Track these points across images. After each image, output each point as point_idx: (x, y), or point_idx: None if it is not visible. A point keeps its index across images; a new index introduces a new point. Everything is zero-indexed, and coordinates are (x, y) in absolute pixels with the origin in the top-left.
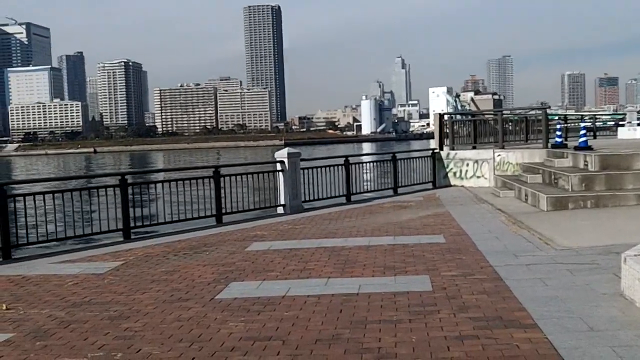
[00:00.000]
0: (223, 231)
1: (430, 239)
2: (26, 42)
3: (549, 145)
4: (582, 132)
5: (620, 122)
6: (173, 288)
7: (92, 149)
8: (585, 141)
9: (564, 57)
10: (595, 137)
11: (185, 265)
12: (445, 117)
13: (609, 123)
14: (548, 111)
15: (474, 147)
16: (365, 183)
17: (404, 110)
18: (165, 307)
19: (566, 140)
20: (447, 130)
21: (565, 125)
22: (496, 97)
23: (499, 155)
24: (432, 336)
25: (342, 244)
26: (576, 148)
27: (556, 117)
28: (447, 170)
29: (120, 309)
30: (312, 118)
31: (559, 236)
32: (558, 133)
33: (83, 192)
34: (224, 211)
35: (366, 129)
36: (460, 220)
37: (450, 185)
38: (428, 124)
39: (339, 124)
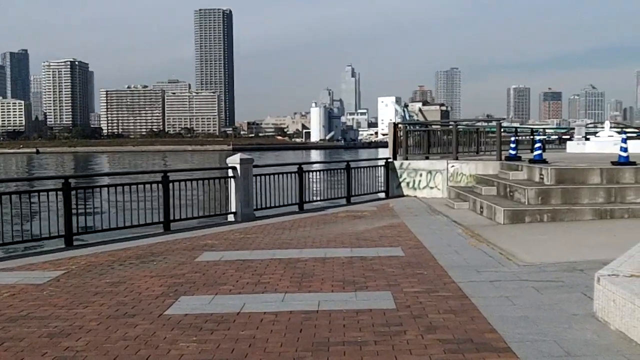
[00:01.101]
0: (171, 239)
1: (388, 251)
2: None
3: (503, 157)
4: (537, 145)
5: (564, 137)
6: (118, 301)
7: (34, 150)
8: (541, 154)
9: (510, 71)
10: (544, 150)
11: (132, 276)
12: (400, 126)
13: (552, 137)
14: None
15: (427, 158)
16: (318, 191)
17: (353, 119)
18: (110, 323)
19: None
20: (401, 140)
21: (517, 138)
22: (443, 108)
23: (452, 166)
24: None
25: (298, 255)
26: (531, 161)
27: (509, 130)
28: (400, 180)
29: (61, 324)
30: (261, 124)
31: (520, 251)
32: (512, 145)
33: (23, 196)
34: (172, 218)
35: (315, 136)
36: (417, 232)
37: (403, 195)
38: (376, 133)
39: (287, 131)
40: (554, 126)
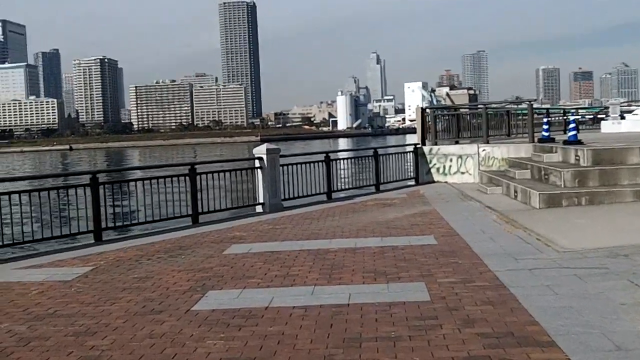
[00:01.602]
0: (199, 232)
1: (420, 239)
2: (2, 40)
3: (535, 139)
4: (572, 125)
5: (599, 116)
6: (145, 298)
7: (67, 146)
8: (575, 135)
9: (539, 51)
10: (577, 130)
11: (159, 271)
12: (428, 111)
13: (585, 117)
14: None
15: (457, 142)
16: (345, 180)
17: (380, 106)
18: (137, 320)
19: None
20: (430, 125)
21: (549, 119)
22: (471, 91)
23: (483, 150)
24: (438, 357)
25: (327, 246)
26: (565, 142)
27: (539, 112)
28: (430, 166)
29: (87, 322)
30: (288, 114)
31: (559, 236)
32: (545, 127)
33: (52, 192)
34: (200, 210)
35: (342, 125)
36: (450, 219)
37: (434, 182)
38: (404, 119)
39: (314, 120)
40: (586, 106)
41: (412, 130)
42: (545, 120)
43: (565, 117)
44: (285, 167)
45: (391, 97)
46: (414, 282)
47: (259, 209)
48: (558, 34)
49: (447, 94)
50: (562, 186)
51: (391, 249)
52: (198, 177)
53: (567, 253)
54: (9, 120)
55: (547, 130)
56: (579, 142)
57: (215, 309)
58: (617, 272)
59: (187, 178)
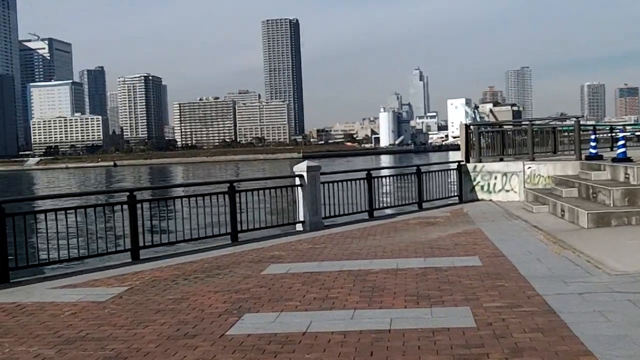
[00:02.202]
0: (238, 251)
1: (464, 261)
2: (48, 58)
3: (583, 157)
4: (620, 142)
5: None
6: (180, 320)
7: (112, 163)
8: (624, 152)
9: (584, 68)
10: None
11: (195, 292)
12: (472, 127)
13: (635, 133)
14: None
15: (501, 159)
16: (387, 197)
17: (422, 122)
18: (170, 345)
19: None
20: (474, 142)
21: (597, 136)
22: (515, 108)
23: (529, 167)
24: None
25: (368, 267)
26: (614, 160)
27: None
28: (474, 183)
29: (118, 347)
30: (330, 130)
31: (610, 258)
32: (592, 144)
33: (89, 210)
34: (239, 229)
35: (384, 141)
36: (495, 238)
37: (478, 200)
38: (447, 136)
39: (357, 136)
40: (632, 122)
41: (455, 147)
42: (592, 137)
43: (612, 134)
44: (326, 185)
45: (434, 114)
46: (459, 307)
47: (299, 227)
48: (603, 51)
49: (491, 111)
50: (612, 205)
51: (434, 270)
52: (237, 194)
53: (619, 276)
54: (55, 137)
55: (594, 148)
56: (629, 160)
57: (251, 333)
58: None
59: (227, 195)
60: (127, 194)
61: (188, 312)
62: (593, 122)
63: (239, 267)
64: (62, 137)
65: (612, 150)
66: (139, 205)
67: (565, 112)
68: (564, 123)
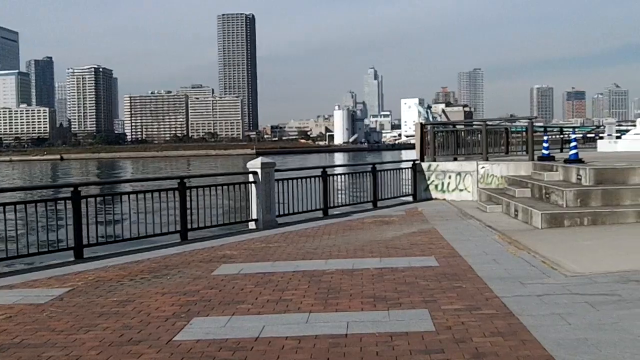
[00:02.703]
0: (188, 250)
1: (421, 261)
2: None
3: (535, 157)
4: (573, 144)
5: (589, 135)
6: (124, 325)
7: (58, 156)
8: (576, 153)
9: (533, 71)
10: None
11: (142, 294)
12: (428, 127)
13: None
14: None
15: (455, 159)
16: (342, 195)
17: (376, 121)
18: (112, 352)
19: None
20: (429, 141)
21: (549, 137)
22: (467, 109)
23: (482, 167)
24: None
25: (323, 267)
26: (566, 161)
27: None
28: (429, 182)
29: (56, 354)
30: (285, 127)
31: (565, 259)
32: (545, 145)
33: (29, 206)
34: (189, 227)
35: (338, 139)
36: (450, 238)
37: (432, 199)
38: (400, 135)
39: (311, 134)
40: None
41: (408, 146)
42: (545, 138)
43: (562, 136)
44: (280, 182)
45: (388, 113)
46: (417, 309)
47: (252, 225)
48: (553, 55)
49: (443, 111)
50: (564, 206)
51: (391, 270)
52: (188, 191)
53: (576, 278)
54: None
55: (546, 149)
56: (580, 161)
57: (200, 339)
58: (630, 299)
59: (177, 192)
60: (71, 189)
61: (133, 316)
62: (541, 124)
63: (188, 268)
64: (6, 129)
65: (562, 151)
66: (83, 201)
67: (515, 114)
68: (515, 124)
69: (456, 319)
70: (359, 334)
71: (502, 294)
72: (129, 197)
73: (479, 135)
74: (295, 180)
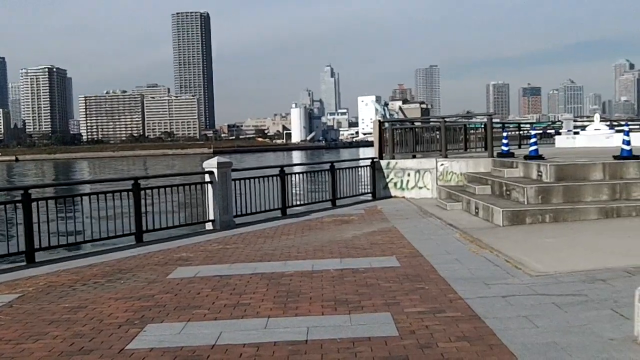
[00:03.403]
0: (143, 253)
1: (382, 261)
2: None
3: (495, 154)
4: (533, 140)
5: (548, 131)
6: (75, 333)
7: (13, 157)
8: (536, 150)
9: (489, 68)
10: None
11: (94, 299)
12: (386, 124)
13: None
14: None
15: (414, 156)
16: (300, 194)
17: (334, 119)
18: None
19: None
20: (387, 138)
21: (508, 133)
22: (424, 106)
23: (442, 164)
24: None
25: (282, 269)
26: (526, 157)
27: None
28: (388, 180)
29: None
30: (242, 126)
31: (529, 258)
32: (504, 141)
33: None
34: (144, 228)
35: (296, 137)
36: (411, 237)
37: (391, 197)
38: (357, 133)
39: (268, 132)
40: (534, 121)
41: (366, 144)
42: (504, 134)
43: (520, 132)
44: (237, 182)
45: (345, 111)
46: (379, 313)
47: (209, 226)
48: (509, 52)
49: (400, 108)
50: (525, 203)
51: (351, 272)
52: (143, 192)
53: (541, 277)
54: None
55: (506, 145)
56: (540, 157)
57: (154, 347)
58: (597, 299)
59: (130, 193)
60: (22, 191)
61: (85, 323)
62: (499, 120)
63: (143, 271)
64: None
65: (520, 147)
66: (34, 204)
67: (472, 110)
68: (472, 120)
69: (420, 322)
70: (319, 340)
71: (467, 295)
72: (81, 199)
73: (437, 132)
74: (253, 180)
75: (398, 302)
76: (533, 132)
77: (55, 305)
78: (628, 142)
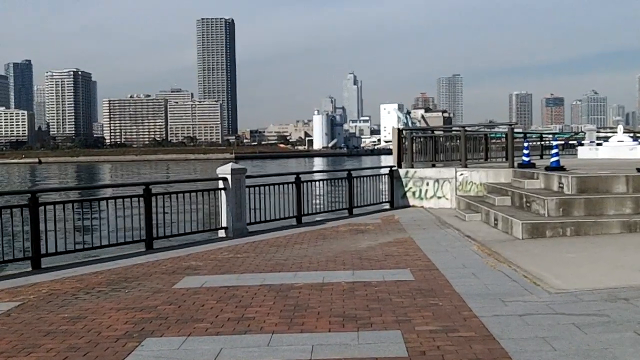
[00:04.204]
0: (152, 260)
1: (395, 274)
2: None
3: (516, 164)
4: (555, 150)
5: (570, 142)
6: (70, 346)
7: (37, 160)
8: (558, 161)
9: (512, 77)
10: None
11: (95, 309)
12: (404, 132)
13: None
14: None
15: (434, 165)
16: (317, 202)
17: (356, 126)
18: None
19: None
20: (406, 147)
21: (530, 143)
22: (446, 114)
23: (461, 174)
24: None
25: (291, 281)
26: (547, 168)
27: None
28: (406, 189)
29: None
30: (264, 132)
31: (548, 274)
32: (525, 152)
33: None
34: (155, 235)
35: (318, 144)
36: (427, 249)
37: (409, 206)
38: (379, 140)
39: (290, 138)
40: (557, 131)
41: (387, 152)
42: (525, 144)
43: (542, 142)
44: (252, 189)
45: (367, 118)
46: (389, 331)
47: (221, 233)
48: (532, 61)
49: (422, 116)
50: (546, 215)
51: (363, 285)
52: (154, 198)
53: (560, 295)
54: None
55: (527, 155)
56: (562, 169)
57: None
58: (619, 321)
59: (141, 199)
60: (29, 195)
61: (82, 335)
62: (521, 130)
63: (149, 280)
64: None
65: (542, 158)
66: (41, 209)
67: (494, 120)
68: (494, 130)
69: (431, 342)
70: (324, 359)
71: (481, 313)
72: (90, 204)
73: (458, 141)
74: (267, 187)
75: (409, 319)
76: (555, 143)
77: (54, 315)
78: None
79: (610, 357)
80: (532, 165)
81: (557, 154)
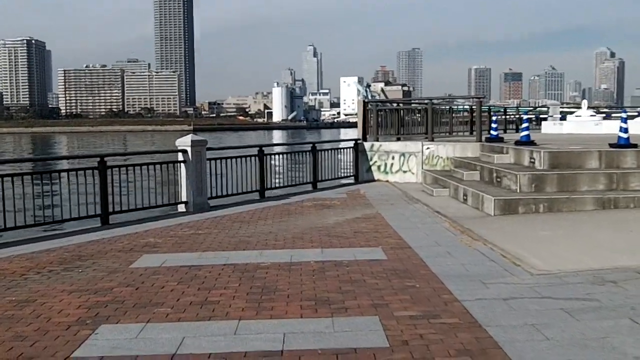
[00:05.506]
0: (107, 237)
1: (367, 253)
2: None
3: (483, 138)
4: (525, 125)
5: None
6: (16, 335)
7: None
8: (528, 135)
9: (471, 53)
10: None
11: (46, 292)
12: (370, 105)
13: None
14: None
15: (399, 139)
16: (280, 176)
17: (315, 99)
18: None
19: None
20: (371, 120)
21: (497, 117)
22: (405, 88)
23: (427, 148)
24: None
25: (257, 260)
26: (517, 143)
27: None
28: (371, 163)
29: None
30: (223, 104)
31: (527, 253)
32: (494, 126)
33: None
34: (111, 210)
35: (277, 117)
36: (397, 225)
37: (374, 180)
38: (339, 113)
39: (249, 111)
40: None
41: (347, 125)
42: (494, 118)
43: (505, 117)
44: (213, 162)
45: (327, 91)
46: (365, 316)
47: (181, 208)
48: (491, 37)
49: (382, 90)
50: (518, 191)
51: (334, 265)
52: (109, 170)
53: (543, 276)
54: None
55: (495, 130)
56: (532, 143)
57: (104, 355)
58: (611, 306)
59: (96, 172)
60: None
61: (30, 322)
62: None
63: (104, 258)
64: None
65: (505, 132)
66: None
67: (452, 94)
68: (455, 104)
69: (413, 330)
70: (297, 350)
71: (463, 296)
72: (41, 177)
73: (422, 115)
74: (229, 160)
75: (386, 304)
76: (525, 117)
77: (1, 297)
78: (625, 130)
79: (609, 348)
80: (501, 140)
81: (527, 128)
